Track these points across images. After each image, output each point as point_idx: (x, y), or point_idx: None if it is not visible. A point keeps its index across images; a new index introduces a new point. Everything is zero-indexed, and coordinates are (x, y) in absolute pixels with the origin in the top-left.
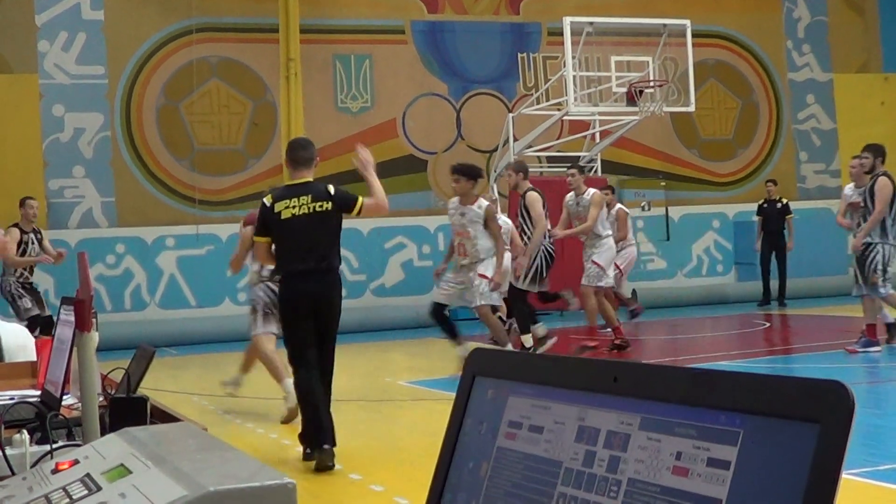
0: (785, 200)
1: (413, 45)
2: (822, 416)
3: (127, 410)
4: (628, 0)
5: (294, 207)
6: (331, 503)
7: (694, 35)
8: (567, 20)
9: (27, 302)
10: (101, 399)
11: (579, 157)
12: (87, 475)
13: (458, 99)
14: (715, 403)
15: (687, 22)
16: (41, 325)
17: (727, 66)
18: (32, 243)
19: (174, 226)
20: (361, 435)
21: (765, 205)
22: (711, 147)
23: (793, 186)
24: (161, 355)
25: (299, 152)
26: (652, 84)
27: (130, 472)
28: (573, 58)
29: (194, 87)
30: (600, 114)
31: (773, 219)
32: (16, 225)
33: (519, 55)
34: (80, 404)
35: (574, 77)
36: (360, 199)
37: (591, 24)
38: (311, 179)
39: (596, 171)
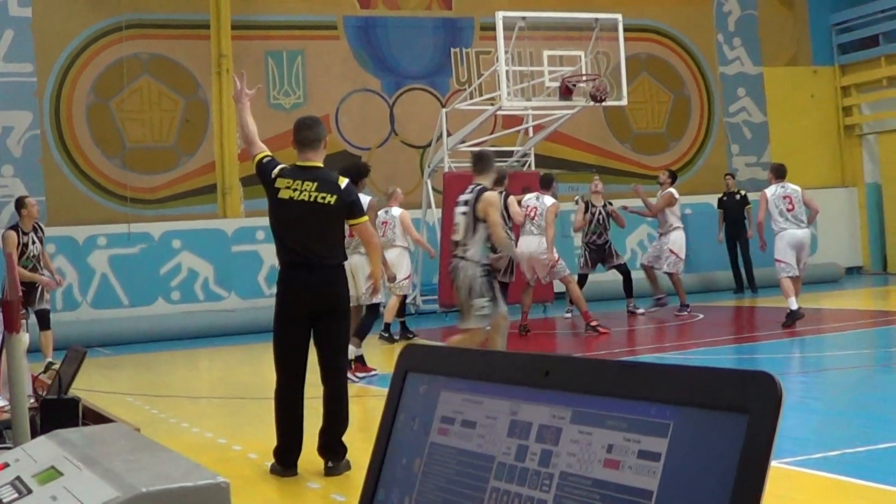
0: (743, 192)
1: (345, 41)
2: (751, 406)
3: (58, 412)
4: None
5: (295, 191)
6: (266, 502)
7: (626, 29)
8: (499, 15)
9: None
10: (31, 401)
11: (513, 151)
12: (18, 478)
13: (391, 94)
14: (645, 396)
15: (619, 16)
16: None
17: (659, 59)
18: (34, 243)
19: (106, 224)
20: None
21: (724, 197)
22: (644, 140)
23: (722, 180)
24: (94, 355)
25: (303, 132)
26: (584, 78)
27: (62, 475)
28: (506, 52)
29: (125, 85)
30: (533, 108)
31: (734, 210)
32: (13, 227)
33: (452, 50)
34: (9, 406)
35: (507, 72)
36: (366, 220)
37: (524, 18)
38: (320, 164)
39: (529, 166)
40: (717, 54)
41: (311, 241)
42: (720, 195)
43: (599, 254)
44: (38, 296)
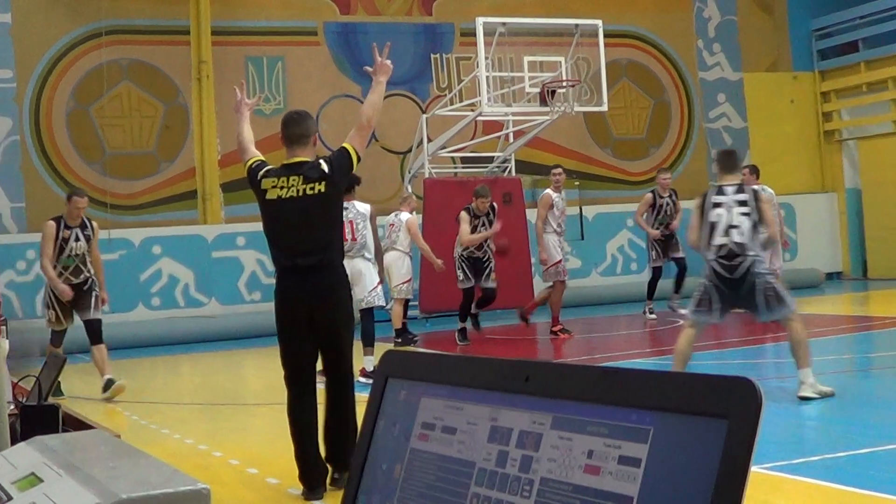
0: None
1: (326, 47)
2: (731, 412)
3: (38, 418)
4: (541, 0)
5: (281, 189)
6: None
7: (606, 35)
8: (480, 21)
9: (52, 314)
10: (11, 407)
11: (493, 157)
12: None
13: None
14: (625, 401)
15: (599, 22)
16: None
17: (639, 65)
18: (77, 240)
19: None
20: (278, 439)
21: None
22: (624, 146)
23: (704, 184)
24: (74, 362)
25: (290, 128)
26: (564, 84)
27: (42, 481)
28: (486, 58)
29: (105, 91)
30: (514, 114)
31: None
32: (57, 218)
33: (432, 56)
34: None
35: (487, 77)
36: (349, 147)
37: (504, 24)
38: (307, 159)
39: (510, 172)
40: (697, 60)
41: (308, 240)
42: None
43: (667, 243)
44: (91, 302)
